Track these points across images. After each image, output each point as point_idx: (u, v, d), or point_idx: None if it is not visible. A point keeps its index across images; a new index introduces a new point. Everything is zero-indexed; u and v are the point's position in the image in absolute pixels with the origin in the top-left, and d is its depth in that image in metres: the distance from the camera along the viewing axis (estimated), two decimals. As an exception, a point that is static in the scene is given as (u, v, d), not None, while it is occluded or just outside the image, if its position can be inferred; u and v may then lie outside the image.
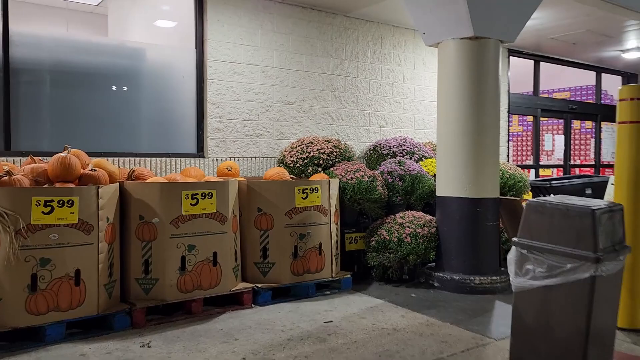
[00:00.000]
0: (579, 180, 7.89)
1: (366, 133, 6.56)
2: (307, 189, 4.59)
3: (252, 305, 4.32)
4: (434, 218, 5.17)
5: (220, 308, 4.18)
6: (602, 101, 10.34)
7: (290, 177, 5.09)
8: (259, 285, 4.38)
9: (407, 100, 6.94)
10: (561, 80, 11.56)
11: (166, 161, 5.16)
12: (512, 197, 5.10)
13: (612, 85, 10.81)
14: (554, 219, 3.04)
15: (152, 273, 3.89)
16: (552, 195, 7.35)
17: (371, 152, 6.28)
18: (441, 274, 4.86)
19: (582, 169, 10.81)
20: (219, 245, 4.13)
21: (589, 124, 11.25)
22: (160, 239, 3.88)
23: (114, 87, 5.00)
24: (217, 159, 5.44)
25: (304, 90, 6.03)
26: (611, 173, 10.71)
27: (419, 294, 4.72)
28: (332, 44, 6.25)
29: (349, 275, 4.88)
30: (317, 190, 4.65)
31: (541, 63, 8.94)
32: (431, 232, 4.98)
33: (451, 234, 4.89)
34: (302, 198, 4.57)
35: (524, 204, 3.32)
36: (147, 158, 5.07)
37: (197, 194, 3.98)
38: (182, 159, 5.27)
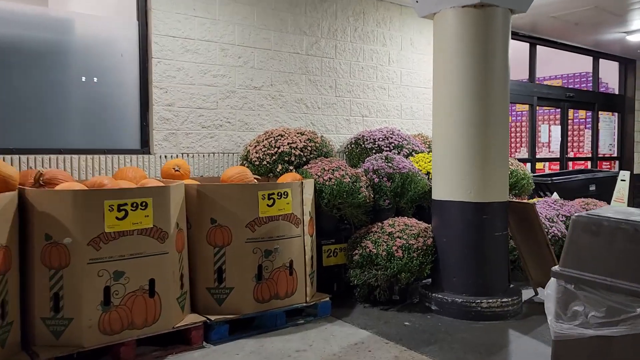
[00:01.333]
0: (582, 176, 7.13)
1: (346, 123, 5.64)
2: (273, 193, 3.65)
3: (204, 344, 3.37)
4: (430, 226, 4.29)
5: (160, 350, 3.23)
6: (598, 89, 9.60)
7: (255, 179, 4.15)
8: (213, 318, 3.44)
9: (394, 86, 6.03)
10: (552, 67, 10.80)
11: (101, 159, 4.16)
12: (523, 201, 4.26)
13: (607, 73, 10.08)
14: (616, 242, 2.16)
15: (64, 310, 2.92)
16: (555, 193, 6.56)
17: (353, 145, 5.36)
18: (440, 295, 3.98)
19: (575, 162, 10.08)
20: (158, 269, 3.17)
21: (582, 113, 10.52)
22: (75, 265, 2.91)
23: (31, 67, 3.97)
24: (165, 156, 4.46)
25: (273, 73, 5.07)
26: (609, 167, 10.02)
27: (414, 322, 3.83)
28: (306, 18, 5.29)
29: (327, 299, 3.97)
30: (287, 194, 3.72)
31: (537, 47, 8.13)
32: (427, 243, 4.10)
33: (452, 246, 4.01)
34: (268, 205, 3.63)
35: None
36: (75, 155, 4.05)
37: (125, 204, 3.01)
38: (122, 156, 4.27)
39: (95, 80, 4.24)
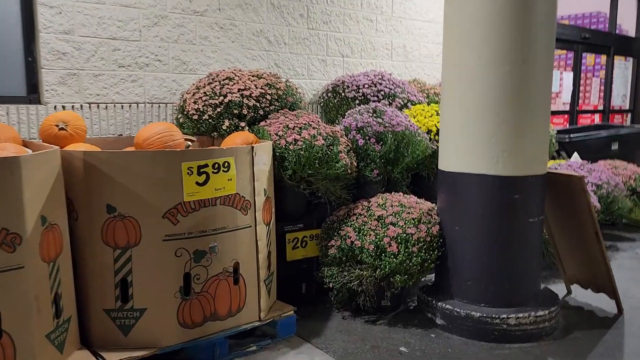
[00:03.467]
0: (603, 133, 5.99)
1: (322, 65, 4.34)
2: (206, 165, 2.40)
3: (96, 399, 2.21)
4: (434, 207, 3.11)
5: (21, 418, 2.04)
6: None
7: (187, 140, 2.88)
8: (113, 359, 2.25)
9: (382, 18, 4.71)
10: (559, 6, 9.47)
11: (-41, 111, 2.84)
12: (566, 172, 3.09)
13: (619, 13, 8.80)
14: None
15: None
16: (575, 153, 5.43)
17: (329, 94, 4.09)
18: (449, 306, 2.84)
19: (581, 115, 8.94)
20: (5, 295, 1.94)
21: (590, 59, 9.32)
22: None
23: None
24: (64, 106, 3.15)
25: (221, -8, 3.72)
26: (621, 121, 8.92)
27: (414, 345, 2.71)
28: None
29: (291, 313, 2.80)
30: (228, 166, 2.47)
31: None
32: (431, 233, 2.93)
33: (467, 237, 2.85)
34: (198, 183, 2.39)
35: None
36: None
37: None
38: (-2, 107, 2.96)
39: (-55, -7, 2.86)
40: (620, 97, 8.51)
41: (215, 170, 2.42)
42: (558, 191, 3.07)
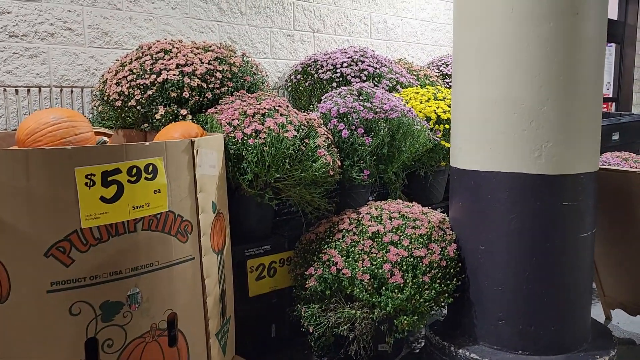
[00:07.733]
0: (605, 122, 5.36)
1: (288, 42, 3.52)
2: (117, 171, 1.54)
3: None
4: (446, 218, 2.34)
5: None
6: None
7: (98, 135, 2.01)
8: None
9: (360, -14, 3.93)
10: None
11: None
12: (622, 168, 2.38)
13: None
14: None
15: None
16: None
17: (299, 77, 3.27)
18: (475, 355, 2.07)
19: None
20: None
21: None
22: None
23: None
24: None
25: (155, -58, 2.85)
26: (605, 109, 8.43)
27: (431, 418, 1.93)
28: None
29: (257, 377, 1.97)
30: (154, 171, 1.62)
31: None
32: (447, 255, 2.15)
33: (496, 259, 2.08)
34: (105, 199, 1.53)
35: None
36: None
37: None
38: None
39: None
40: (605, 84, 8.01)
41: (134, 178, 1.57)
42: (609, 191, 2.34)
